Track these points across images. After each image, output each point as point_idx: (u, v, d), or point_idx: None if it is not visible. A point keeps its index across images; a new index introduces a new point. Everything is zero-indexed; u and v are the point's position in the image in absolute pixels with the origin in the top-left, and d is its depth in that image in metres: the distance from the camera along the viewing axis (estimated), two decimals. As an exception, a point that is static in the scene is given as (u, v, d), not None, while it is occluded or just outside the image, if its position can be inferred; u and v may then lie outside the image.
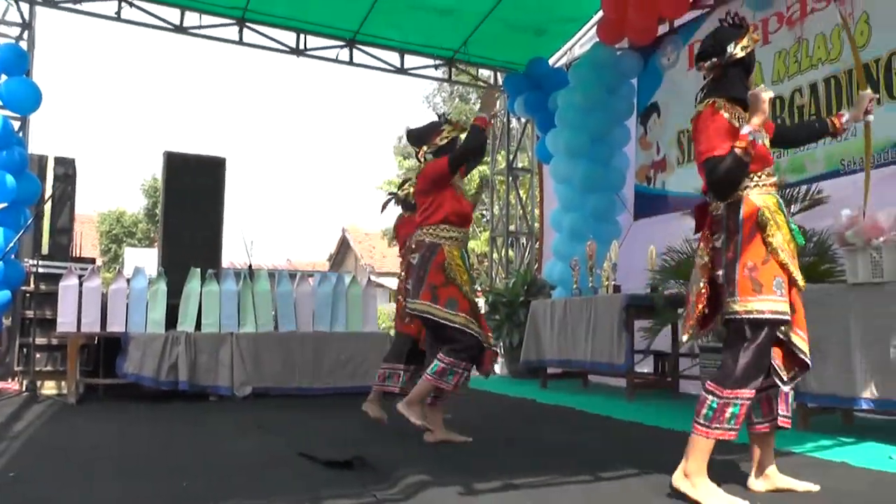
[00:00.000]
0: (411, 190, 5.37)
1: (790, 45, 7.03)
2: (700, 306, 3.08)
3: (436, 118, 4.71)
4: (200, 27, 9.29)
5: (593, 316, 6.84)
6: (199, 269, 6.83)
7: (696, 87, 8.07)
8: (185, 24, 9.18)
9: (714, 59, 3.17)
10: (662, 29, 8.58)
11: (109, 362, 6.51)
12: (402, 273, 4.75)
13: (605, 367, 6.79)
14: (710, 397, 2.92)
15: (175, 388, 6.42)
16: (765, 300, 2.91)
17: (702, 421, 2.92)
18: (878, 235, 4.32)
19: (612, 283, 7.08)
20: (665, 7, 7.82)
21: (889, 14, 6.11)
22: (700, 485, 2.90)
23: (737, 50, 3.14)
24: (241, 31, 9.44)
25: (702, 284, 3.09)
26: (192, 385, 6.46)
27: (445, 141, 4.49)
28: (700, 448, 2.93)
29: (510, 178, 11.69)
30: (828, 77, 6.62)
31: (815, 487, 3.10)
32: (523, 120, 11.41)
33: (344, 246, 32.63)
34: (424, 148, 4.54)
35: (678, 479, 2.96)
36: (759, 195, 3.04)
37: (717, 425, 2.90)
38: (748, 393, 2.91)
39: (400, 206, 5.87)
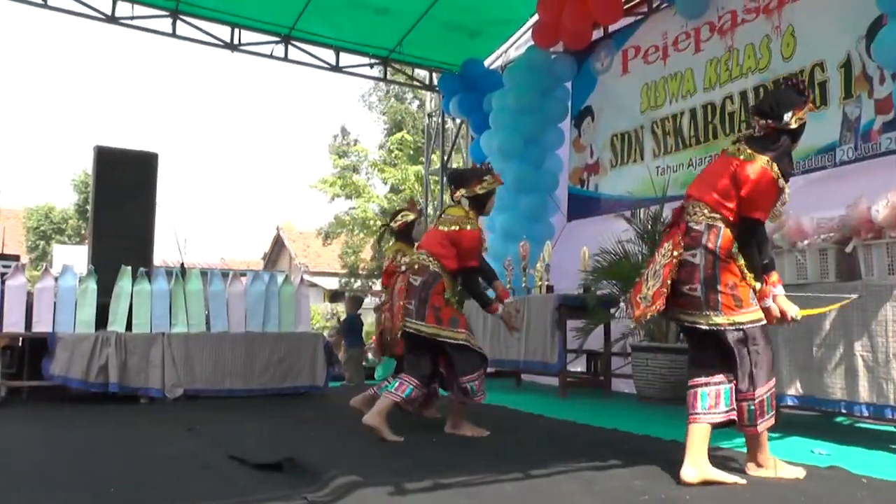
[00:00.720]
0: (407, 219, 5.74)
1: (721, 53, 7.21)
2: (657, 305, 3.31)
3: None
4: (133, 18, 9.08)
5: (526, 316, 6.89)
6: (129, 268, 6.66)
7: (628, 91, 8.28)
8: (116, 15, 8.97)
9: (769, 121, 3.36)
10: (597, 34, 8.73)
11: (35, 364, 6.29)
12: (392, 294, 4.79)
13: (538, 367, 6.86)
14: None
15: (105, 391, 6.23)
16: (746, 312, 3.28)
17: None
18: (802, 239, 4.47)
19: (546, 283, 7.16)
20: (599, 13, 7.95)
21: (813, 28, 6.35)
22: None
23: (792, 121, 3.35)
24: (174, 24, 9.27)
25: (664, 287, 3.30)
26: (122, 387, 6.29)
27: (483, 191, 4.71)
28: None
29: (444, 179, 11.70)
30: (757, 86, 6.82)
31: (742, 480, 3.23)
32: (458, 120, 11.43)
33: (278, 245, 32.29)
34: (462, 191, 4.71)
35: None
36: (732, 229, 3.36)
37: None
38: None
39: (393, 238, 5.89)
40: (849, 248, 4.26)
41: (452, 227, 4.64)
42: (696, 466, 3.21)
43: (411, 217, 5.79)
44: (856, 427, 4.92)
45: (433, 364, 4.63)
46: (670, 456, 3.75)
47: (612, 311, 6.79)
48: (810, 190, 6.08)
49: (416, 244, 5.23)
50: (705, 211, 3.34)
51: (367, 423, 4.34)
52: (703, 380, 3.33)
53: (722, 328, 3.27)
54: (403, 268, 4.74)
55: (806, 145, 6.18)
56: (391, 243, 5.88)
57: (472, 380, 4.52)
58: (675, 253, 3.31)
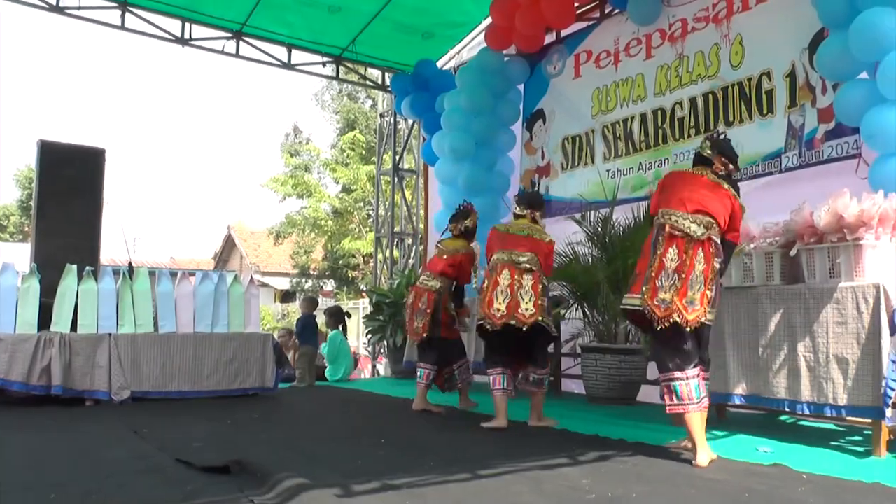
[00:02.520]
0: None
1: (672, 60, 7.33)
2: (705, 308, 3.83)
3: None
4: (79, 8, 8.87)
5: (476, 316, 6.90)
6: (75, 266, 6.50)
7: (579, 96, 8.38)
8: (62, 5, 8.76)
9: (731, 166, 4.18)
10: (550, 38, 8.80)
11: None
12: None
13: (487, 367, 6.85)
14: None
15: (48, 393, 6.06)
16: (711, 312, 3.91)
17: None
18: (748, 242, 4.57)
19: (496, 284, 7.15)
20: (552, 17, 8.02)
21: (760, 38, 6.50)
22: None
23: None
24: (123, 16, 9.09)
25: (708, 290, 3.84)
26: (66, 389, 6.14)
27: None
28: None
29: (396, 179, 11.71)
30: (706, 92, 6.95)
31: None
32: (410, 121, 11.43)
33: (229, 244, 31.95)
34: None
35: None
36: None
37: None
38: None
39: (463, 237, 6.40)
40: (793, 252, 4.37)
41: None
42: (706, 450, 3.75)
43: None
44: (798, 425, 5.05)
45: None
46: (617, 455, 3.81)
47: (563, 311, 6.85)
48: (757, 195, 6.19)
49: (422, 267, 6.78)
50: (716, 229, 3.90)
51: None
52: (694, 371, 3.83)
53: (712, 324, 3.97)
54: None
55: (753, 151, 6.37)
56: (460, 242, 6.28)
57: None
58: (717, 260, 3.85)
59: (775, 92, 6.34)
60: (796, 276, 4.45)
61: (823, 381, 4.10)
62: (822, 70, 5.54)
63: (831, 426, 4.86)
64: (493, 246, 5.35)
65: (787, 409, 4.38)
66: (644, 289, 3.85)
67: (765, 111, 6.40)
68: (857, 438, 4.44)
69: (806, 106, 6.09)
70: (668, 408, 3.87)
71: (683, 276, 3.77)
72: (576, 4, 8.08)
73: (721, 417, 5.14)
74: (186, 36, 9.56)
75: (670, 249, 3.85)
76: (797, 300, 4.27)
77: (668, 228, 3.90)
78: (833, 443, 4.34)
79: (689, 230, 3.85)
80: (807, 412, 4.22)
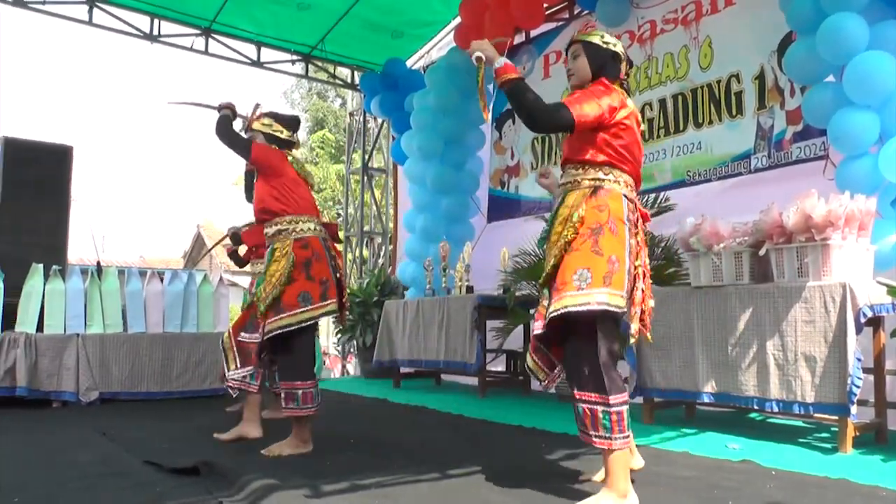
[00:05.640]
0: None
1: (641, 61, 7.38)
2: None
3: (293, 113, 4.93)
4: (45, 3, 8.71)
5: (446, 316, 6.93)
6: (41, 266, 6.41)
7: (549, 95, 8.32)
8: (25, 0, 8.59)
9: None
10: (519, 38, 8.82)
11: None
12: None
13: (457, 366, 6.89)
14: None
15: (12, 395, 5.98)
16: None
17: None
18: (718, 242, 4.61)
19: (466, 283, 7.20)
20: (521, 18, 8.03)
21: (729, 40, 6.57)
22: None
23: None
24: (90, 11, 8.93)
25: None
26: (31, 391, 6.07)
27: None
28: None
29: (365, 178, 11.67)
30: (676, 94, 7.00)
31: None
32: (380, 120, 11.40)
33: (199, 243, 31.56)
34: None
35: None
36: None
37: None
38: None
39: None
40: (762, 252, 4.41)
41: None
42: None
43: None
44: (767, 422, 5.11)
45: None
46: (587, 454, 3.82)
47: (531, 311, 6.86)
48: (726, 195, 6.29)
49: None
50: None
51: None
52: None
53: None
54: None
55: (723, 152, 6.45)
56: None
57: None
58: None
59: (744, 94, 6.41)
60: (765, 276, 4.50)
61: (792, 378, 4.15)
62: (791, 73, 5.61)
63: (799, 423, 4.92)
64: None
65: (755, 407, 4.42)
66: None
67: (734, 113, 6.47)
68: (824, 435, 4.51)
69: (775, 108, 6.16)
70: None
71: None
72: (545, 5, 8.10)
73: (690, 416, 5.20)
74: (155, 32, 9.44)
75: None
76: (766, 299, 4.32)
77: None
78: (801, 439, 4.40)
79: None
80: (775, 409, 4.26)
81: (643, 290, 3.04)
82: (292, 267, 4.12)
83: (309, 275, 4.15)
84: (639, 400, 5.11)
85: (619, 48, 3.26)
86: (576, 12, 8.27)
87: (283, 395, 4.18)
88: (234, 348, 4.47)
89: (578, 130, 3.02)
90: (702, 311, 4.66)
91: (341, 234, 15.94)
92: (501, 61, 3.18)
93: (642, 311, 3.05)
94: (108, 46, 75.23)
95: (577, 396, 2.93)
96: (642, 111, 7.33)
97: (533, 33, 8.74)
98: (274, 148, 4.46)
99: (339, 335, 10.16)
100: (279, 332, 4.07)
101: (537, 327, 3.05)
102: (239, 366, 4.44)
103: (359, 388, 7.71)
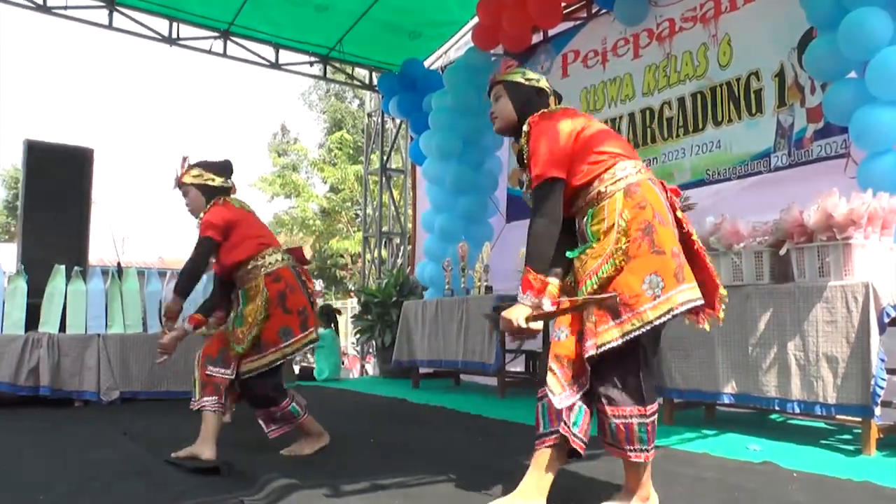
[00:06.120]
0: None
1: (660, 60, 7.34)
2: None
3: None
4: (66, 7, 8.80)
5: (465, 316, 6.92)
6: (63, 267, 6.47)
7: (568, 95, 8.31)
8: (49, 4, 8.69)
9: None
10: (537, 38, 8.81)
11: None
12: None
13: (476, 367, 6.88)
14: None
15: (35, 394, 6.04)
16: None
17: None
18: (738, 241, 4.58)
19: (484, 283, 7.19)
20: (539, 17, 8.02)
21: (748, 38, 6.51)
22: None
23: None
24: (110, 15, 9.02)
25: None
26: (54, 390, 6.12)
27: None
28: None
29: (384, 179, 11.68)
30: (694, 92, 6.96)
31: None
32: (398, 120, 11.41)
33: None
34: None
35: None
36: None
37: None
38: None
39: None
40: (782, 251, 4.38)
41: None
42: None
43: None
44: (788, 423, 5.07)
45: None
46: (605, 454, 3.79)
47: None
48: (746, 194, 6.25)
49: None
50: None
51: None
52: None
53: None
54: None
55: (742, 151, 6.40)
56: None
57: None
58: None
59: (764, 92, 6.36)
60: (786, 275, 4.46)
61: (813, 379, 4.11)
62: (811, 70, 5.56)
63: (821, 425, 4.87)
64: None
65: (776, 408, 4.38)
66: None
67: (753, 111, 6.42)
68: (846, 437, 4.46)
69: (795, 106, 6.11)
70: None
71: None
72: (563, 4, 8.08)
73: (710, 417, 5.16)
74: (174, 35, 9.51)
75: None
76: (787, 299, 4.28)
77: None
78: (823, 441, 4.36)
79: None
80: (797, 410, 4.22)
81: (708, 270, 2.84)
82: (268, 303, 3.98)
83: (286, 308, 4.01)
84: (658, 401, 5.07)
85: (542, 83, 3.14)
86: (594, 11, 8.25)
87: (261, 422, 4.15)
88: (200, 380, 4.11)
89: (569, 172, 2.82)
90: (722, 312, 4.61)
91: (359, 235, 15.98)
92: (526, 304, 2.79)
93: (718, 294, 2.87)
94: (127, 49, 75.87)
95: (610, 413, 2.69)
96: (661, 110, 7.30)
97: (551, 32, 8.72)
98: (215, 208, 4.19)
99: (358, 336, 10.18)
100: (262, 370, 4.00)
101: (589, 347, 2.66)
102: (206, 396, 4.08)
103: (378, 388, 7.72)
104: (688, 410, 5.15)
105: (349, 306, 17.30)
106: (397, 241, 11.78)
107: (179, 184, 4.34)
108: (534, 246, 2.82)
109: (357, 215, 22.32)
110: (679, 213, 2.85)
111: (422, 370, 7.94)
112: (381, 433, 4.76)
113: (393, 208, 11.85)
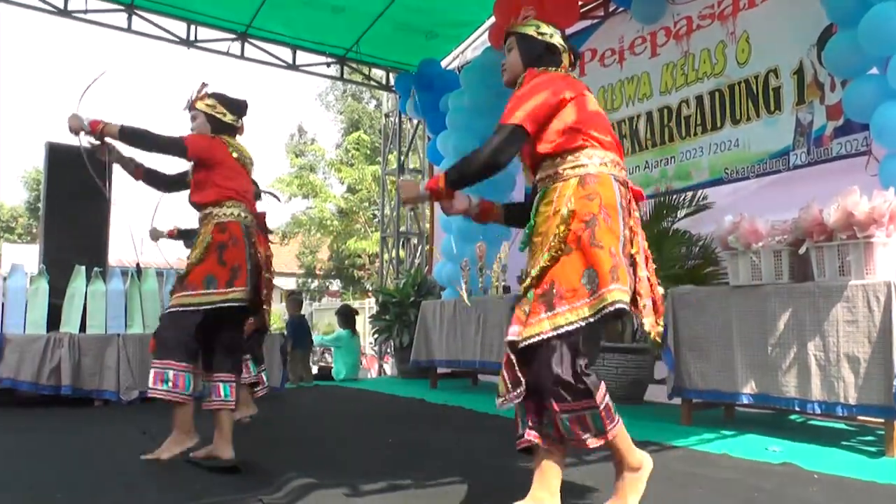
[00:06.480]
0: None
1: (677, 58, 7.30)
2: None
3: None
4: (86, 11, 8.86)
5: (483, 316, 6.91)
6: (84, 268, 6.52)
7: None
8: (69, 8, 8.75)
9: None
10: (554, 36, 8.76)
11: (-18, 366, 6.10)
12: None
13: (494, 367, 6.84)
14: None
15: (57, 394, 6.08)
16: None
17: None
18: (757, 240, 4.54)
19: (502, 283, 7.17)
20: (556, 16, 7.92)
21: (767, 35, 6.47)
22: None
23: None
24: (129, 18, 9.08)
25: None
26: (75, 390, 6.16)
27: None
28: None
29: (401, 179, 11.67)
30: (712, 90, 6.92)
31: None
32: (415, 120, 11.41)
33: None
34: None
35: None
36: None
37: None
38: None
39: None
40: (802, 250, 4.34)
41: None
42: None
43: None
44: (808, 424, 5.03)
45: None
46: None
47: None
48: (764, 193, 6.21)
49: None
50: None
51: None
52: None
53: None
54: None
55: (760, 149, 6.36)
56: None
57: None
58: None
59: (783, 89, 6.32)
60: (805, 275, 4.42)
61: (834, 380, 4.07)
62: (831, 66, 5.51)
63: (842, 426, 4.83)
64: None
65: (796, 409, 4.34)
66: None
67: (772, 109, 6.38)
68: (869, 438, 4.41)
69: (814, 103, 6.06)
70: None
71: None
72: (580, 3, 8.06)
73: (729, 417, 5.13)
74: (192, 38, 9.56)
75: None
76: (806, 298, 4.24)
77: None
78: (844, 442, 4.31)
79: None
80: (817, 411, 4.18)
81: (648, 279, 2.74)
82: (206, 248, 3.91)
83: (221, 259, 3.89)
84: (677, 401, 5.06)
85: (556, 39, 3.02)
86: (611, 9, 8.22)
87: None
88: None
89: (535, 129, 2.76)
90: (740, 311, 4.59)
91: (377, 236, 16.01)
92: (423, 188, 2.92)
93: (654, 302, 2.74)
94: (145, 52, 76.39)
95: (558, 409, 2.58)
96: (679, 108, 7.26)
97: (568, 31, 8.64)
98: (208, 137, 4.16)
99: (376, 336, 10.19)
100: (175, 310, 3.88)
101: (512, 333, 2.65)
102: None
103: (396, 388, 7.72)
104: (706, 411, 5.12)
105: (367, 306, 17.34)
106: (415, 241, 11.79)
107: (192, 107, 4.27)
108: (461, 165, 2.87)
109: (374, 215, 22.36)
110: (633, 219, 2.74)
111: (440, 370, 7.95)
112: (398, 433, 4.76)
113: (410, 208, 11.85)
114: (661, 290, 2.82)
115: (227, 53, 9.94)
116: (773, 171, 6.31)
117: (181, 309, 3.88)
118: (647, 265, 2.76)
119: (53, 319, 6.39)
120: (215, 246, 3.91)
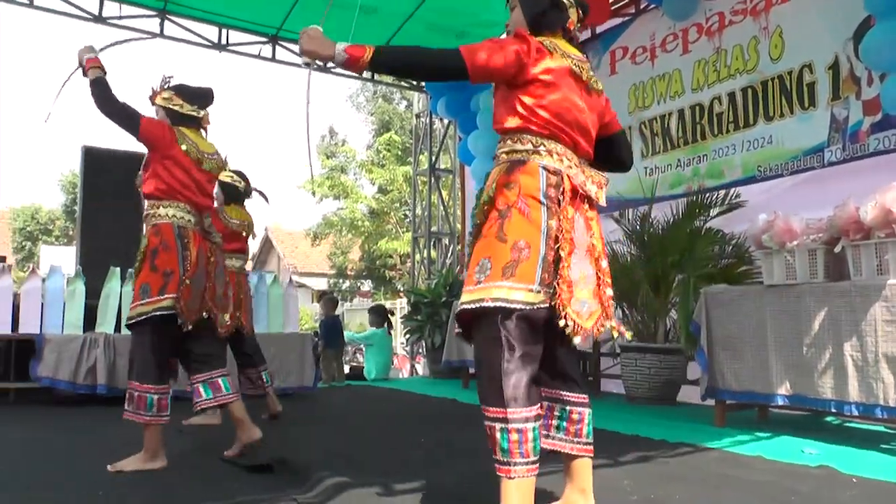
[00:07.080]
0: None
1: (709, 54, 7.23)
2: None
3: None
4: (120, 17, 9.00)
5: (515, 316, 6.87)
6: (118, 269, 6.60)
7: (616, 92, 8.27)
8: (104, 14, 8.88)
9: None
10: (584, 35, 8.72)
11: (22, 365, 6.22)
12: None
13: (527, 367, 6.83)
14: None
15: (93, 393, 6.16)
16: None
17: None
18: (791, 239, 4.48)
19: (534, 283, 7.12)
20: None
21: (800, 29, 6.38)
22: None
23: None
24: (162, 24, 9.20)
25: None
26: (111, 389, 6.22)
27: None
28: None
29: (432, 179, 11.70)
30: (745, 87, 6.84)
31: None
32: (446, 121, 11.42)
33: (267, 245, 32.29)
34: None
35: None
36: None
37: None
38: None
39: None
40: (837, 249, 4.27)
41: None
42: None
43: None
44: (845, 426, 4.95)
45: None
46: (659, 456, 3.75)
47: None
48: (799, 191, 6.12)
49: None
50: None
51: None
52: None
53: None
54: None
55: (794, 146, 6.27)
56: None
57: None
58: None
59: (817, 85, 6.22)
60: (841, 274, 4.35)
61: (873, 381, 3.99)
62: (868, 60, 5.42)
63: (881, 428, 4.75)
64: None
65: (833, 410, 4.27)
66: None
67: (806, 105, 6.29)
68: (909, 441, 4.34)
69: (850, 98, 5.96)
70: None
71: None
72: (611, 0, 8.01)
73: (763, 418, 5.07)
74: (223, 41, 9.65)
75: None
76: (843, 298, 4.17)
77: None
78: (884, 445, 4.23)
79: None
80: (855, 413, 4.11)
81: (598, 278, 2.56)
82: (142, 256, 3.81)
83: (153, 265, 3.74)
84: (710, 402, 5.01)
85: None
86: (642, 6, 8.15)
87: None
88: None
89: (476, 79, 2.52)
90: (775, 311, 4.53)
91: (408, 236, 16.03)
92: (341, 48, 2.61)
93: (601, 304, 2.55)
94: (178, 55, 77.14)
95: (482, 411, 2.42)
96: (711, 105, 7.18)
97: (599, 29, 8.64)
98: (166, 125, 4.02)
99: (408, 336, 10.22)
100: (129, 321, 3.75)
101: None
102: None
103: (428, 388, 7.73)
104: (741, 412, 5.06)
105: (399, 306, 17.38)
106: (446, 241, 11.80)
107: (152, 102, 4.19)
108: (397, 54, 2.74)
109: (406, 216, 22.40)
110: (566, 212, 2.48)
111: (472, 370, 7.93)
112: (431, 433, 4.75)
113: (442, 208, 11.86)
114: (609, 291, 2.60)
115: (258, 56, 10.03)
116: (807, 168, 6.22)
117: (133, 321, 3.73)
118: (597, 263, 2.57)
119: (90, 320, 6.50)
120: (149, 252, 3.80)
